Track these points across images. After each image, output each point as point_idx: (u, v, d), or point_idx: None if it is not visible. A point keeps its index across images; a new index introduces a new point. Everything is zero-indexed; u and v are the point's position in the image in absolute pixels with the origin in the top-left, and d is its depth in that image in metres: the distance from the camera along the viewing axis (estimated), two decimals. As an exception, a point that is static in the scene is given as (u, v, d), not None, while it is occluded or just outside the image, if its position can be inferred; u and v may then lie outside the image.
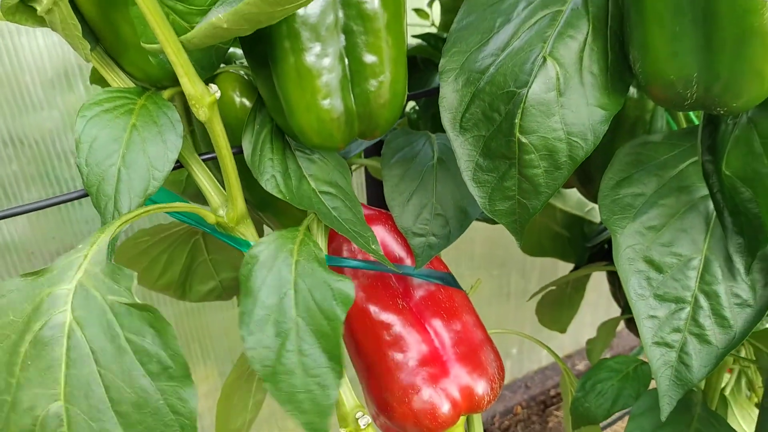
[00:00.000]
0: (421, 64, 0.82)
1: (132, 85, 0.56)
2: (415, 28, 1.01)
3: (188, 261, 0.89)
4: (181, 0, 0.47)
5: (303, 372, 0.41)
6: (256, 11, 0.39)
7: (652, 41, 0.46)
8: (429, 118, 0.81)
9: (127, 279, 0.43)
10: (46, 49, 1.08)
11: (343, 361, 0.42)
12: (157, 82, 0.55)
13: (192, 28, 0.47)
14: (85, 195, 0.56)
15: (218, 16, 0.41)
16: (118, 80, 0.55)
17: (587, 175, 0.82)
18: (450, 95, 0.55)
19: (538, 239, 0.92)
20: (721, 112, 0.47)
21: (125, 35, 0.52)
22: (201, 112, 0.47)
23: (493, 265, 1.61)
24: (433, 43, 0.81)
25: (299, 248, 0.48)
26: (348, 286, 0.45)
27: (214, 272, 0.92)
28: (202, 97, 0.47)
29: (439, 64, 0.56)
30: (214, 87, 0.48)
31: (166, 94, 0.56)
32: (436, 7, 1.04)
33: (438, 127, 0.65)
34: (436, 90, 0.65)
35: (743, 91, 0.46)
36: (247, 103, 0.61)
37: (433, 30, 1.02)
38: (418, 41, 0.82)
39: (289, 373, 0.42)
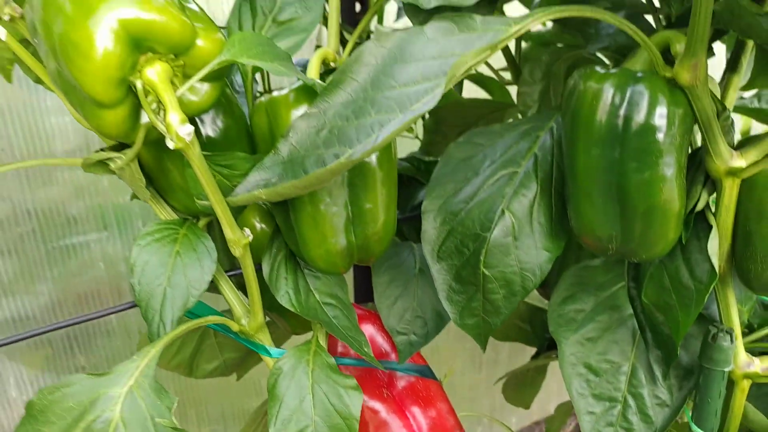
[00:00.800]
0: (407, 181, 0.97)
1: (175, 216, 0.69)
2: (401, 139, 1.16)
3: (198, 343, 1.01)
4: (226, 166, 0.61)
5: (319, 460, 0.54)
6: (288, 192, 0.53)
7: (583, 209, 0.61)
8: (412, 229, 0.95)
9: (169, 400, 0.56)
10: (71, 124, 1.21)
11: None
12: (195, 214, 0.69)
13: (233, 185, 0.61)
14: (133, 306, 0.68)
15: (259, 191, 0.55)
16: (165, 213, 0.69)
17: (544, 281, 0.97)
18: (430, 230, 0.70)
19: (505, 331, 1.05)
20: (636, 260, 0.62)
21: (174, 180, 0.66)
22: (237, 251, 0.61)
23: (467, 338, 1.73)
24: (416, 165, 0.96)
25: (313, 358, 0.61)
26: (356, 388, 0.58)
27: (219, 353, 1.03)
28: (239, 240, 0.60)
29: (422, 204, 0.70)
30: (247, 231, 0.61)
31: (201, 223, 0.70)
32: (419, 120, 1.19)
33: (419, 236, 0.77)
34: (418, 208, 0.79)
35: (651, 248, 0.60)
36: (265, 227, 0.74)
37: (417, 141, 1.18)
38: (405, 164, 0.97)
39: (308, 460, 0.54)
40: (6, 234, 1.24)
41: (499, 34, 0.53)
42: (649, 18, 0.77)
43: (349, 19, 1.19)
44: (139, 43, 0.52)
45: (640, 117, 0.55)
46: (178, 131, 0.52)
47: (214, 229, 0.79)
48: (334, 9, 0.73)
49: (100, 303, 1.37)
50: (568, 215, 0.65)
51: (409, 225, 0.96)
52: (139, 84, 0.53)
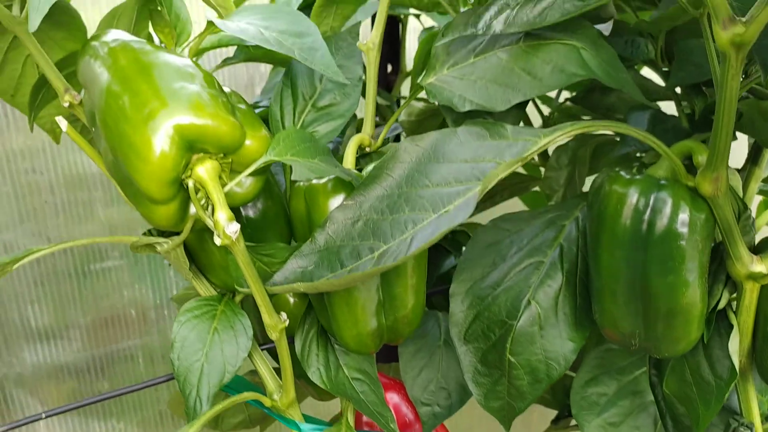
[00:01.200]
0: (434, 248, 0.99)
1: (213, 291, 0.73)
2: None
3: (224, 398, 1.03)
4: (267, 255, 0.64)
5: None
6: (325, 288, 0.57)
7: (607, 305, 0.63)
8: (440, 296, 0.98)
9: None
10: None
11: None
12: (233, 290, 0.72)
13: (272, 271, 0.64)
14: (170, 379, 0.72)
15: (298, 284, 0.58)
16: (204, 289, 0.72)
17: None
18: (458, 313, 0.72)
19: (526, 398, 1.07)
20: (658, 356, 0.64)
21: (215, 260, 0.70)
22: (273, 335, 0.64)
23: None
24: (444, 233, 0.99)
25: (342, 440, 0.64)
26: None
27: (245, 407, 1.06)
28: (276, 325, 0.64)
29: (450, 288, 0.73)
30: (284, 316, 0.64)
31: (238, 298, 0.73)
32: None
33: (446, 301, 0.78)
34: (444, 277, 0.81)
35: (673, 346, 0.62)
36: (298, 300, 0.77)
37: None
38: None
39: None
40: (41, 267, 1.30)
41: (528, 144, 0.56)
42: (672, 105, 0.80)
43: (381, 80, 1.24)
44: (192, 146, 0.56)
45: (663, 223, 0.58)
46: (225, 229, 0.56)
47: (249, 303, 0.82)
48: (370, 96, 0.77)
49: (127, 331, 1.42)
50: (592, 307, 0.67)
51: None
52: (190, 183, 0.57)
